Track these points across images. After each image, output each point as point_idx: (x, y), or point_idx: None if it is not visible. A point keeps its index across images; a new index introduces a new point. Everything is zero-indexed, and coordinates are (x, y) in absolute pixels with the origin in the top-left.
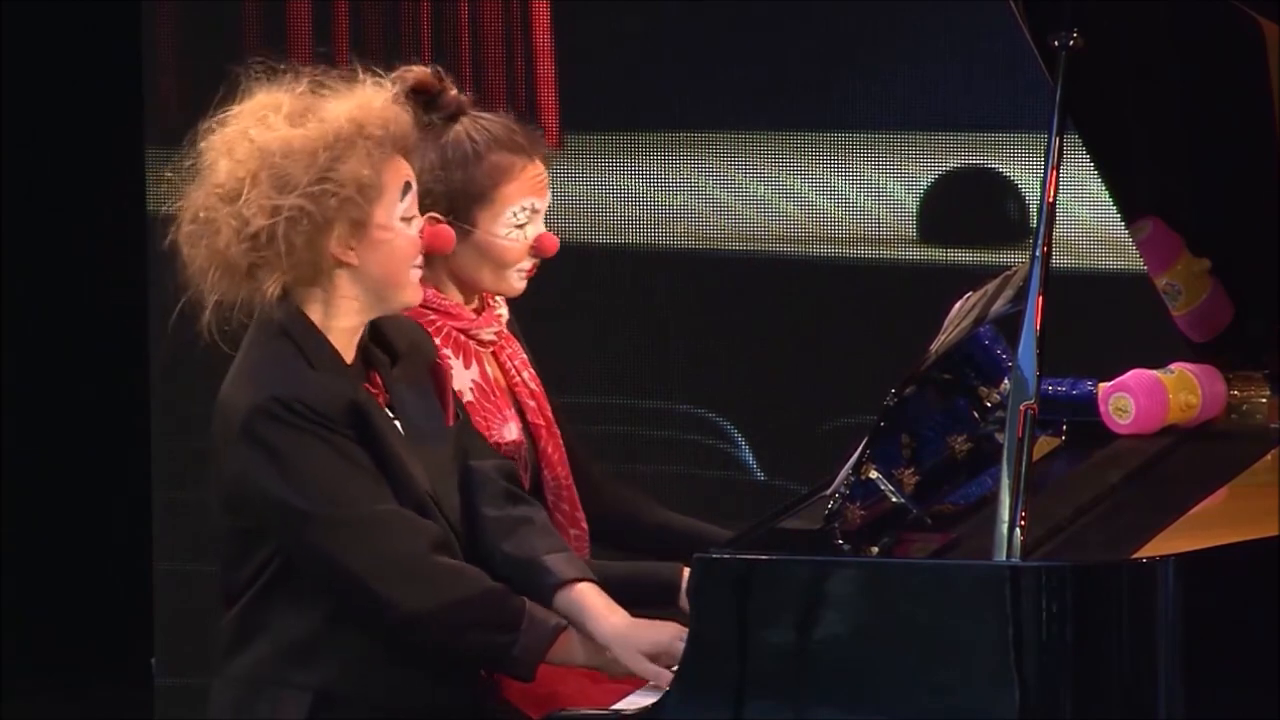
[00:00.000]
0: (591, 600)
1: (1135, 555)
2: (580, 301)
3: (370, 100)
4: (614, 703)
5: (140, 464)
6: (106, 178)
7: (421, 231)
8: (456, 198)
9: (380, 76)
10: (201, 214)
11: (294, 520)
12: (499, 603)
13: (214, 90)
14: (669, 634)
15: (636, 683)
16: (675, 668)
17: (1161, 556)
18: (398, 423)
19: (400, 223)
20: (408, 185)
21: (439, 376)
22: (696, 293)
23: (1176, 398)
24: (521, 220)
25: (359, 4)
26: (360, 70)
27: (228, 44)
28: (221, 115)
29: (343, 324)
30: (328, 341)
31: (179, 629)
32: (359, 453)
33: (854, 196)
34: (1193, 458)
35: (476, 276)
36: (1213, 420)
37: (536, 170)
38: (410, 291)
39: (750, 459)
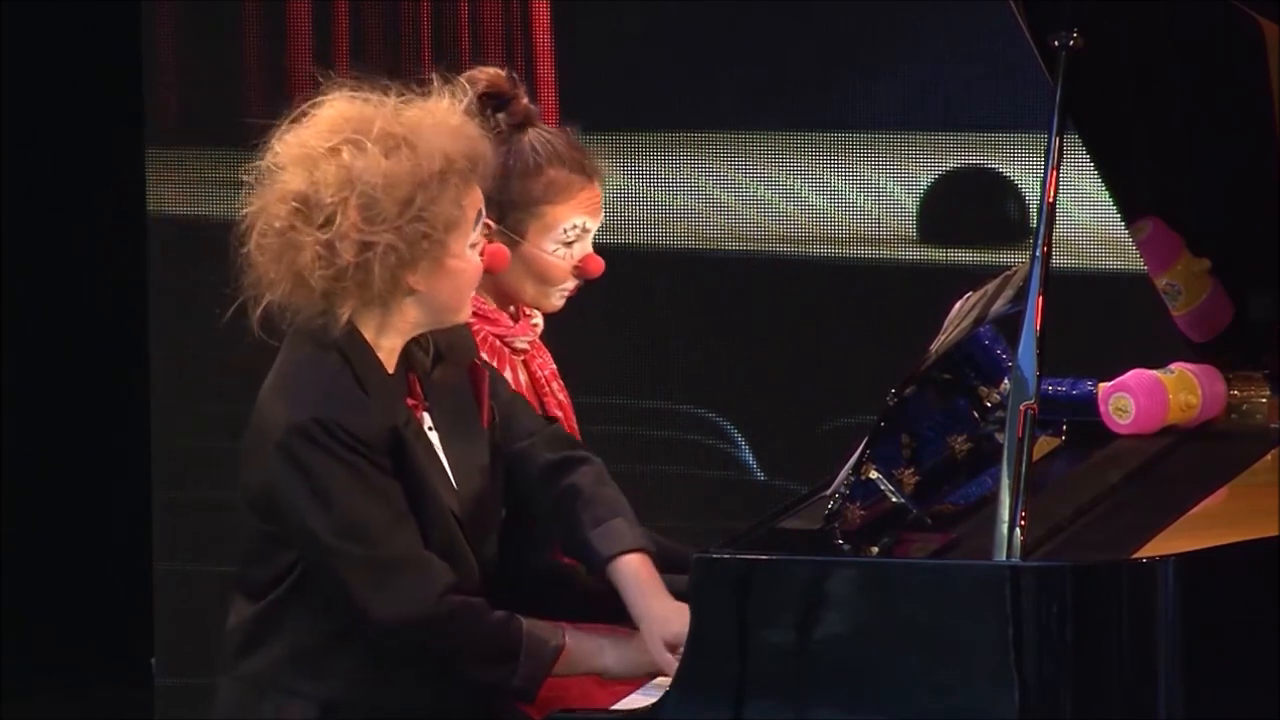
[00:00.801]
0: (630, 573)
1: (1135, 555)
2: (580, 301)
3: (457, 128)
4: (614, 703)
5: (140, 464)
6: (106, 178)
7: (481, 253)
8: (509, 207)
9: (451, 80)
10: (277, 224)
11: (314, 545)
12: (498, 637)
13: (214, 90)
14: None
15: (636, 683)
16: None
17: (1161, 556)
18: (434, 434)
19: (469, 250)
20: (479, 214)
21: (477, 376)
22: (696, 293)
23: (1176, 398)
24: (570, 238)
25: (359, 4)
26: (436, 78)
27: (228, 44)
28: (297, 121)
29: (394, 341)
30: (378, 359)
31: (179, 629)
32: (391, 485)
33: (854, 196)
34: (1193, 458)
35: (518, 289)
36: (1213, 420)
37: (593, 192)
38: (466, 311)
39: (750, 459)
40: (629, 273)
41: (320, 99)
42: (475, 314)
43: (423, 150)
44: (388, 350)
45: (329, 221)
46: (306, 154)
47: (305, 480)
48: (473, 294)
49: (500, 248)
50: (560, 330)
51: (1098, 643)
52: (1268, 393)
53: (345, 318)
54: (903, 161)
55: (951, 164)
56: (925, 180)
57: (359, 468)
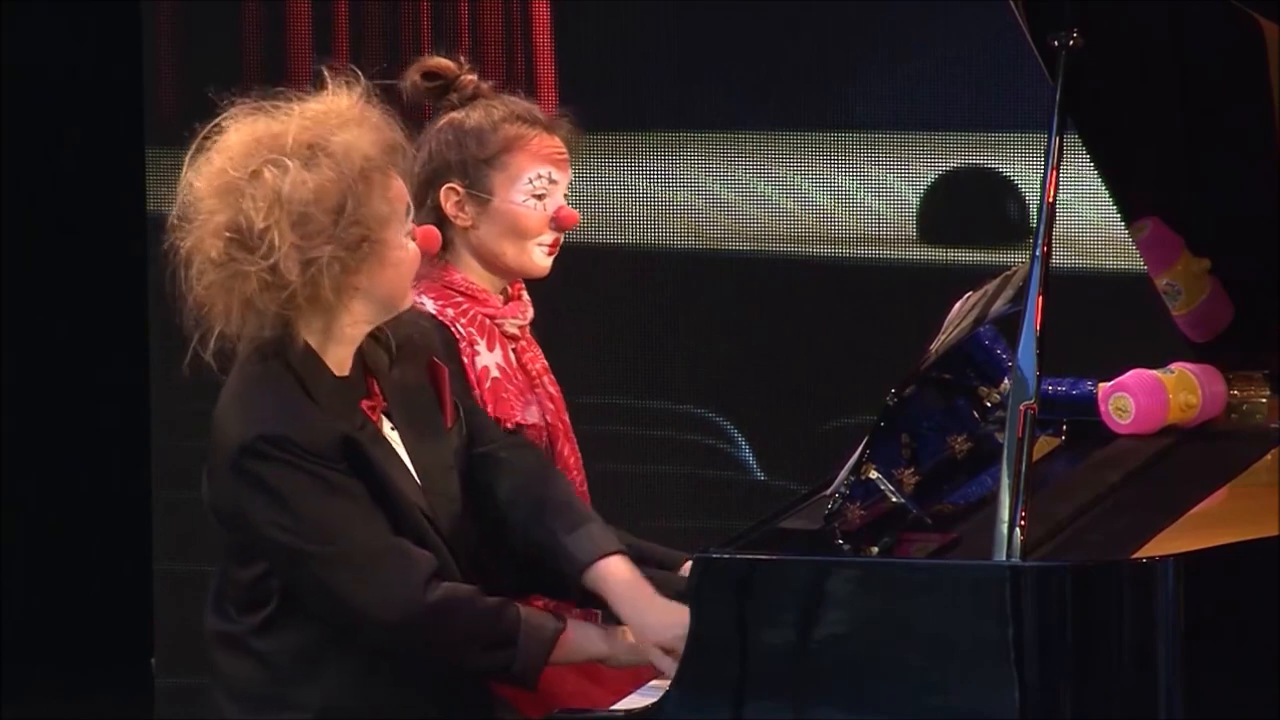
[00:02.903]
0: (614, 578)
1: (1135, 555)
2: (581, 301)
3: (365, 122)
4: (614, 703)
5: (140, 464)
6: (106, 178)
7: (414, 238)
8: (471, 166)
9: (340, 73)
10: (215, 255)
11: (286, 556)
12: (494, 621)
13: (215, 90)
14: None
15: (636, 683)
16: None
17: (1161, 556)
18: (395, 433)
19: (405, 238)
20: (408, 205)
21: (437, 376)
22: (697, 293)
23: (1176, 398)
24: (540, 190)
25: (359, 4)
26: (327, 74)
27: (228, 44)
28: (209, 148)
29: (343, 342)
30: (325, 366)
31: (179, 629)
32: (352, 485)
33: (854, 196)
34: (1193, 458)
35: (498, 250)
36: (1213, 420)
37: (552, 142)
38: (408, 299)
39: (750, 459)
40: (629, 272)
41: (221, 123)
42: (462, 293)
43: (340, 155)
44: (339, 356)
45: (267, 246)
46: (227, 183)
47: (263, 495)
48: (412, 280)
49: (430, 228)
50: (560, 329)
51: (1098, 643)
52: (1268, 393)
53: (302, 337)
54: (903, 161)
55: (951, 164)
56: (926, 179)
57: (316, 473)
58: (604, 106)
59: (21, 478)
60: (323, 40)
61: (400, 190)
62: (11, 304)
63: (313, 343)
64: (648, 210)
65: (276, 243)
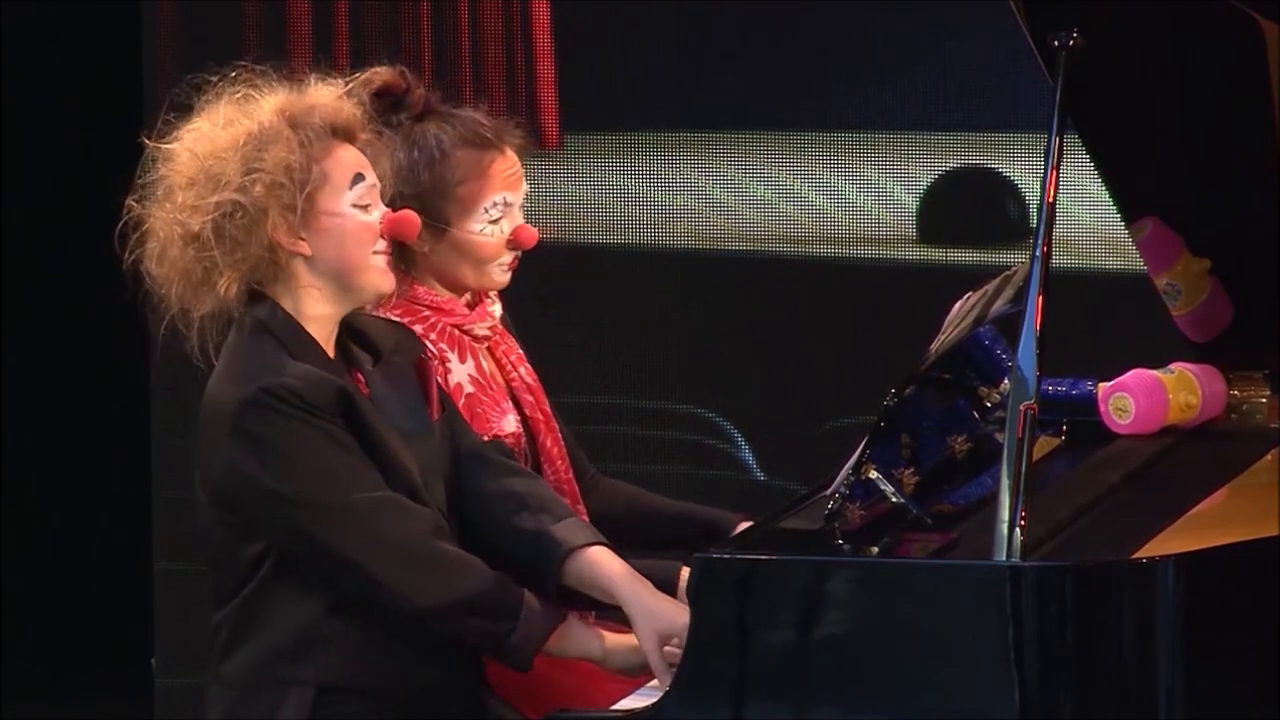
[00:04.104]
0: (609, 563)
1: (1135, 555)
2: (580, 301)
3: (303, 93)
4: (613, 703)
5: (140, 464)
6: (106, 178)
7: (383, 218)
8: (426, 197)
9: (334, 78)
10: (161, 232)
11: (286, 509)
12: (498, 591)
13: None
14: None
15: (635, 683)
16: (675, 666)
17: (1161, 556)
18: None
19: (352, 209)
20: (359, 176)
21: (424, 372)
22: (696, 293)
23: (1176, 398)
24: (495, 216)
25: (359, 4)
26: (312, 75)
27: (228, 44)
28: (172, 135)
29: (315, 317)
30: (308, 334)
31: (179, 629)
32: (349, 439)
33: (854, 196)
34: (1193, 458)
35: (458, 274)
36: (1213, 420)
37: (507, 163)
38: (374, 276)
39: (750, 459)
40: (629, 273)
41: (196, 109)
42: (429, 305)
43: (256, 113)
44: (313, 326)
45: (181, 199)
46: (170, 161)
47: (264, 449)
48: (379, 258)
49: (406, 213)
50: (560, 330)
51: (1098, 643)
52: (1268, 393)
53: (225, 290)
54: (903, 161)
55: (951, 164)
56: (925, 180)
57: (316, 425)
58: (603, 107)
59: (21, 477)
60: (323, 40)
61: (341, 159)
62: (10, 304)
63: (289, 310)
64: (647, 210)
65: (182, 195)
